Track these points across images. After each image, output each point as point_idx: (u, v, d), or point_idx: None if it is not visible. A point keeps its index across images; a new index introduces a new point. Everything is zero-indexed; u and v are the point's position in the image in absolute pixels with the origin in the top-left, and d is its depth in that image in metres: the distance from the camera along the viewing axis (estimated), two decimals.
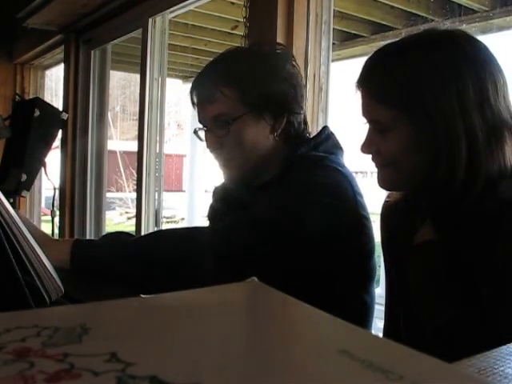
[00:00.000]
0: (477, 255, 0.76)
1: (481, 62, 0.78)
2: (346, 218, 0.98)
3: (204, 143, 1.10)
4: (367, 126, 0.86)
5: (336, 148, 1.08)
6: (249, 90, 1.01)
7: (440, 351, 0.75)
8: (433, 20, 2.95)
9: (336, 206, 0.96)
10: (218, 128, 1.03)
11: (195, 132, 1.12)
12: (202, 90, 1.05)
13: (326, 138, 1.07)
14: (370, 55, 0.86)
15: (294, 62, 1.07)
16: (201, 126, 1.09)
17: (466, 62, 0.77)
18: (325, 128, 1.10)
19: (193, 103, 1.09)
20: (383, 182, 0.86)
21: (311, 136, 1.10)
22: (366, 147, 0.85)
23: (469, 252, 0.77)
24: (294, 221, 0.93)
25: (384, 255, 0.97)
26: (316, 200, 0.95)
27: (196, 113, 1.11)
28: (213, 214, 1.21)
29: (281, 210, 0.95)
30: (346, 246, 0.99)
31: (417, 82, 0.77)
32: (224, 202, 1.17)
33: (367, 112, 0.84)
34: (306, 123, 1.10)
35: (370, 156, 0.86)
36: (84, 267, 0.97)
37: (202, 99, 1.05)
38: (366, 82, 0.84)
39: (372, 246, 1.04)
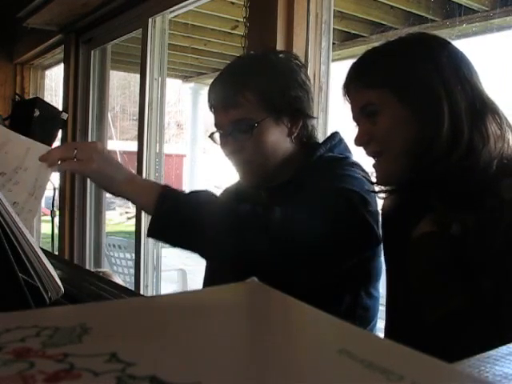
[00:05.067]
0: (477, 248, 0.76)
1: (454, 51, 0.87)
2: (372, 214, 0.99)
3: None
4: (357, 128, 0.90)
5: (348, 152, 1.13)
6: (269, 95, 1.04)
7: (440, 343, 0.75)
8: (433, 20, 2.95)
9: (367, 201, 0.97)
10: (239, 132, 1.05)
11: (211, 136, 1.12)
12: (222, 94, 1.07)
13: (339, 142, 1.12)
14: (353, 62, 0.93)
15: (305, 70, 1.12)
16: (215, 130, 1.10)
17: (441, 49, 0.86)
18: (336, 133, 1.14)
19: (211, 107, 1.10)
20: (381, 173, 0.89)
21: (319, 140, 1.15)
22: (360, 137, 0.89)
23: (469, 245, 0.77)
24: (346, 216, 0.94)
25: (384, 254, 0.98)
26: (355, 194, 0.96)
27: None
28: None
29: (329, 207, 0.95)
30: (369, 241, 1.01)
31: (398, 62, 0.86)
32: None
33: (356, 102, 0.89)
34: (314, 127, 1.14)
35: (364, 149, 0.90)
36: (166, 218, 0.90)
37: (224, 103, 1.06)
38: (353, 79, 0.90)
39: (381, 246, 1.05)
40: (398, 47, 0.89)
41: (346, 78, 0.91)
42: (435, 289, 0.79)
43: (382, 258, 1.06)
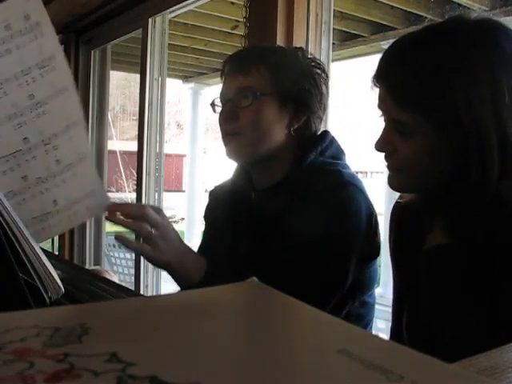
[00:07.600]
0: (492, 262, 0.71)
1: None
2: (364, 233, 1.00)
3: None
4: (382, 120, 0.79)
5: (340, 153, 1.10)
6: (282, 76, 1.03)
7: (448, 359, 0.72)
8: (433, 20, 2.95)
9: (357, 224, 0.98)
10: (240, 98, 1.02)
11: (212, 104, 1.10)
12: (237, 61, 1.06)
13: (330, 143, 1.08)
14: (388, 47, 0.77)
15: (326, 80, 1.09)
16: (219, 98, 1.08)
17: (502, 60, 0.69)
18: (326, 133, 1.10)
19: (222, 74, 1.08)
20: (396, 185, 0.81)
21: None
22: (383, 145, 0.77)
23: (485, 258, 0.71)
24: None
25: (392, 257, 0.94)
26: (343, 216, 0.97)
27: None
28: (213, 219, 1.20)
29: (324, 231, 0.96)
30: (367, 258, 1.02)
31: (445, 83, 0.69)
32: (225, 204, 1.15)
33: (387, 110, 0.76)
34: (317, 129, 1.10)
35: (383, 156, 0.79)
36: None
37: (235, 70, 1.05)
38: (385, 79, 0.76)
39: (379, 254, 1.05)
40: (448, 52, 0.69)
41: (378, 71, 0.76)
42: (449, 307, 0.73)
43: (377, 267, 1.05)
